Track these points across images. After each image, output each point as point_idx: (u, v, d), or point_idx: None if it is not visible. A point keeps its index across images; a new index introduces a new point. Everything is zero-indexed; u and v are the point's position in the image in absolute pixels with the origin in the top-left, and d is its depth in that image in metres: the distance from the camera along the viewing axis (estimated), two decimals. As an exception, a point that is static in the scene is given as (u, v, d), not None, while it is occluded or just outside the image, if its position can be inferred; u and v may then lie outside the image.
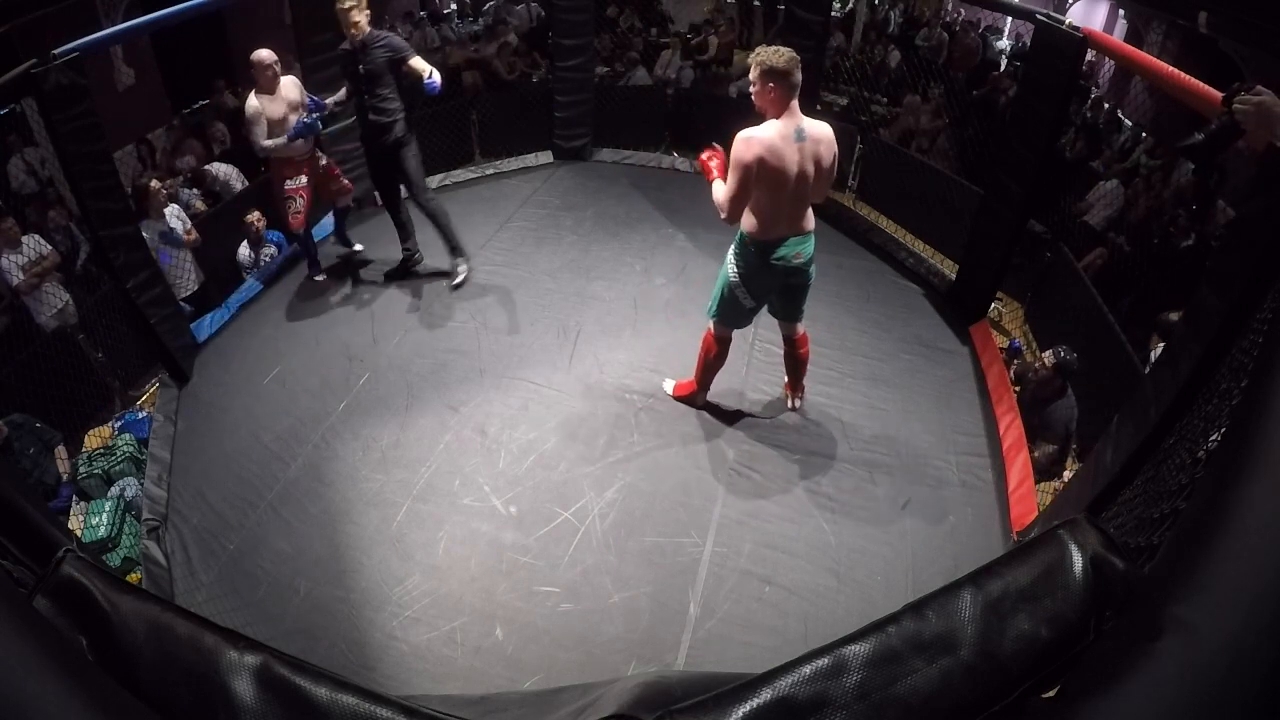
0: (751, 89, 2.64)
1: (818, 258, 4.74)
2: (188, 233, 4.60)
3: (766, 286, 2.98)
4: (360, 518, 3.02)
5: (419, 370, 3.75)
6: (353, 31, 3.70)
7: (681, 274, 4.48)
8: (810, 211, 2.83)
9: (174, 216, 4.53)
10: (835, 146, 2.73)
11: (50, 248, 4.40)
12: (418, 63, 3.73)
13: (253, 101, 3.79)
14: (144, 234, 4.26)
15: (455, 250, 4.33)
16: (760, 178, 2.62)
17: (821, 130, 2.67)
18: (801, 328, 3.24)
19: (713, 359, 3.29)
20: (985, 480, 3.28)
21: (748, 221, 2.80)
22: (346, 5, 3.64)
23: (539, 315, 4.10)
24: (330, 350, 3.91)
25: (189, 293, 4.57)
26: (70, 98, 3.03)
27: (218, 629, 0.67)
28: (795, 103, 2.59)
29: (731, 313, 3.09)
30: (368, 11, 3.73)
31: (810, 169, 2.67)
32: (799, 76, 2.56)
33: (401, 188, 4.21)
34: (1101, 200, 5.52)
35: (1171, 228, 4.98)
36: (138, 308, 3.56)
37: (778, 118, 2.59)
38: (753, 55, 2.62)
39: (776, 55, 2.53)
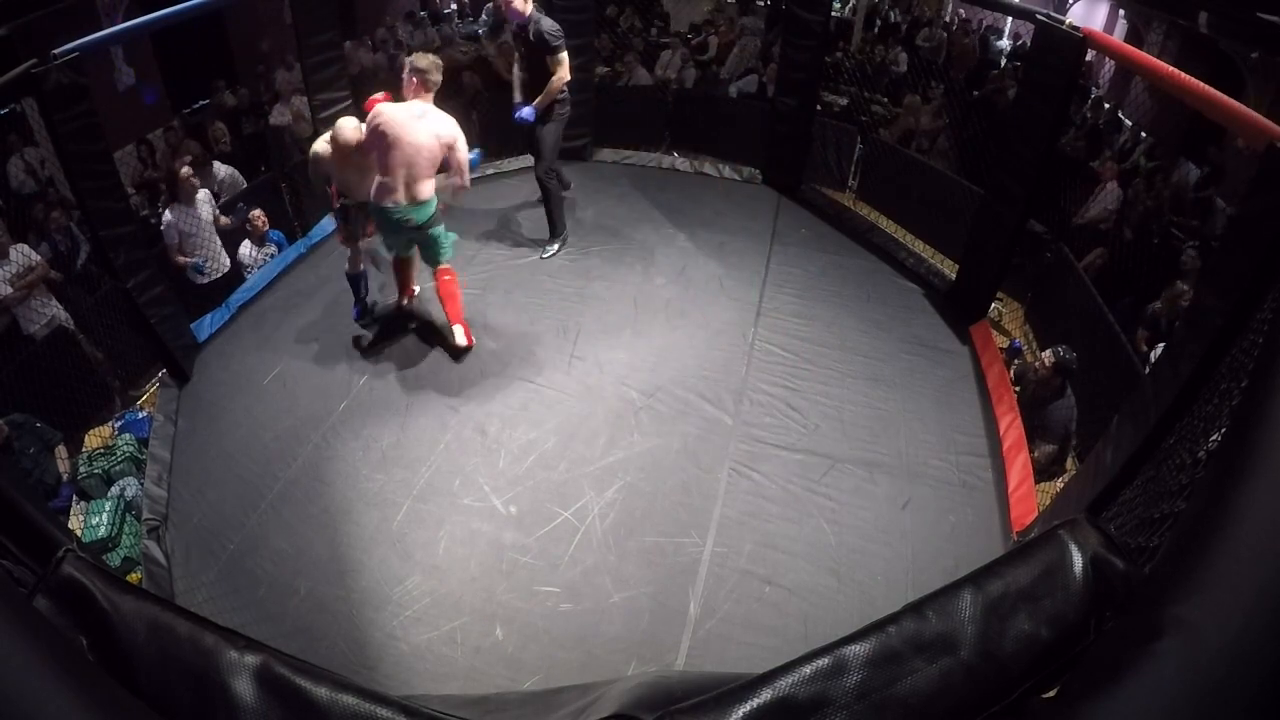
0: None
1: (817, 257, 4.82)
2: (216, 218, 4.63)
3: (393, 236, 3.62)
4: (360, 518, 3.02)
5: (419, 370, 3.75)
6: (514, 7, 4.02)
7: (681, 274, 4.48)
8: (424, 186, 3.35)
9: (205, 202, 4.56)
10: (452, 138, 3.31)
11: (39, 258, 4.37)
12: (554, 61, 4.04)
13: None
14: (169, 216, 4.30)
15: (552, 229, 4.63)
16: (378, 140, 3.24)
17: (443, 120, 3.32)
18: (442, 266, 3.70)
19: (397, 273, 4.03)
20: (985, 480, 3.28)
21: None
22: None
23: (539, 315, 4.10)
24: (330, 350, 3.91)
25: (218, 276, 4.60)
26: (70, 98, 3.02)
27: (218, 629, 0.67)
28: (429, 95, 3.33)
29: (387, 248, 3.91)
30: None
31: (423, 143, 3.25)
32: (434, 76, 3.32)
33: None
34: (1099, 202, 5.52)
35: (1173, 228, 4.99)
36: (138, 307, 3.55)
37: (414, 99, 3.32)
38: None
39: (420, 58, 3.35)
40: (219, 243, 4.70)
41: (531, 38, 4.02)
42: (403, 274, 4.00)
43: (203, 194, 4.61)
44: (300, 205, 5.30)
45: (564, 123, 4.36)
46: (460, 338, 3.73)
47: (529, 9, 4.01)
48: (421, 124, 3.26)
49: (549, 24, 4.02)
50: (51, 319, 4.25)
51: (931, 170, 5.13)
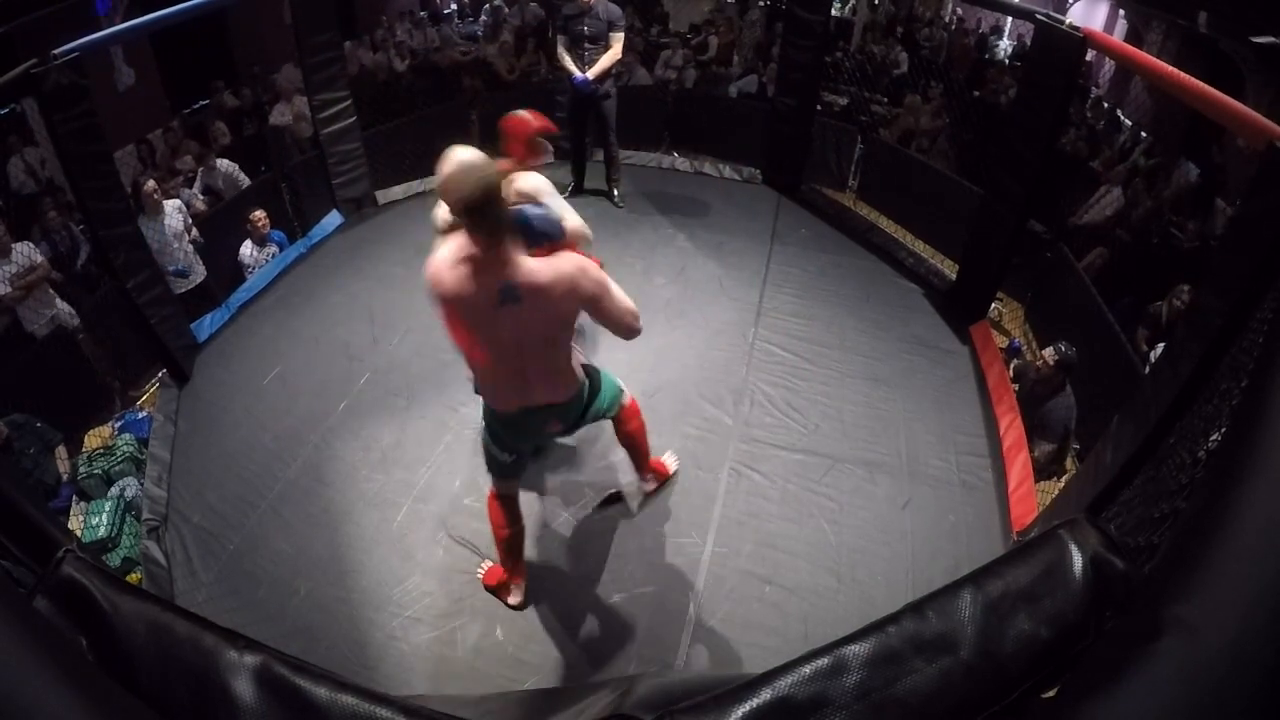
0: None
1: (817, 257, 4.82)
2: (187, 229, 4.60)
3: (517, 443, 2.32)
4: (360, 518, 3.02)
5: (419, 370, 3.74)
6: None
7: (681, 274, 4.47)
8: (560, 374, 2.08)
9: (175, 211, 4.53)
10: (595, 293, 1.88)
11: (41, 257, 4.36)
12: (614, 37, 4.56)
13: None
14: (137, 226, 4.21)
15: (612, 183, 5.17)
16: (448, 314, 1.90)
17: (570, 270, 1.85)
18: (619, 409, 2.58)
19: (499, 525, 2.50)
20: (985, 480, 3.28)
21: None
22: None
23: (539, 315, 4.10)
24: (330, 350, 3.91)
25: (194, 285, 4.57)
26: (70, 98, 3.02)
27: (218, 629, 0.67)
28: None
29: (495, 465, 2.40)
30: None
31: (521, 327, 1.87)
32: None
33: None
34: (1101, 205, 5.52)
35: (1173, 227, 4.99)
36: (138, 308, 3.56)
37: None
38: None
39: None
40: (193, 252, 4.60)
41: (601, 16, 4.54)
42: (507, 531, 2.51)
43: (171, 204, 4.54)
44: (300, 205, 5.30)
45: (616, 97, 4.86)
46: (650, 482, 3.00)
47: None
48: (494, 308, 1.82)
49: (616, 8, 4.59)
50: (53, 318, 4.25)
51: (931, 170, 5.13)
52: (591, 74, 4.55)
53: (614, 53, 4.57)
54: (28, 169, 5.98)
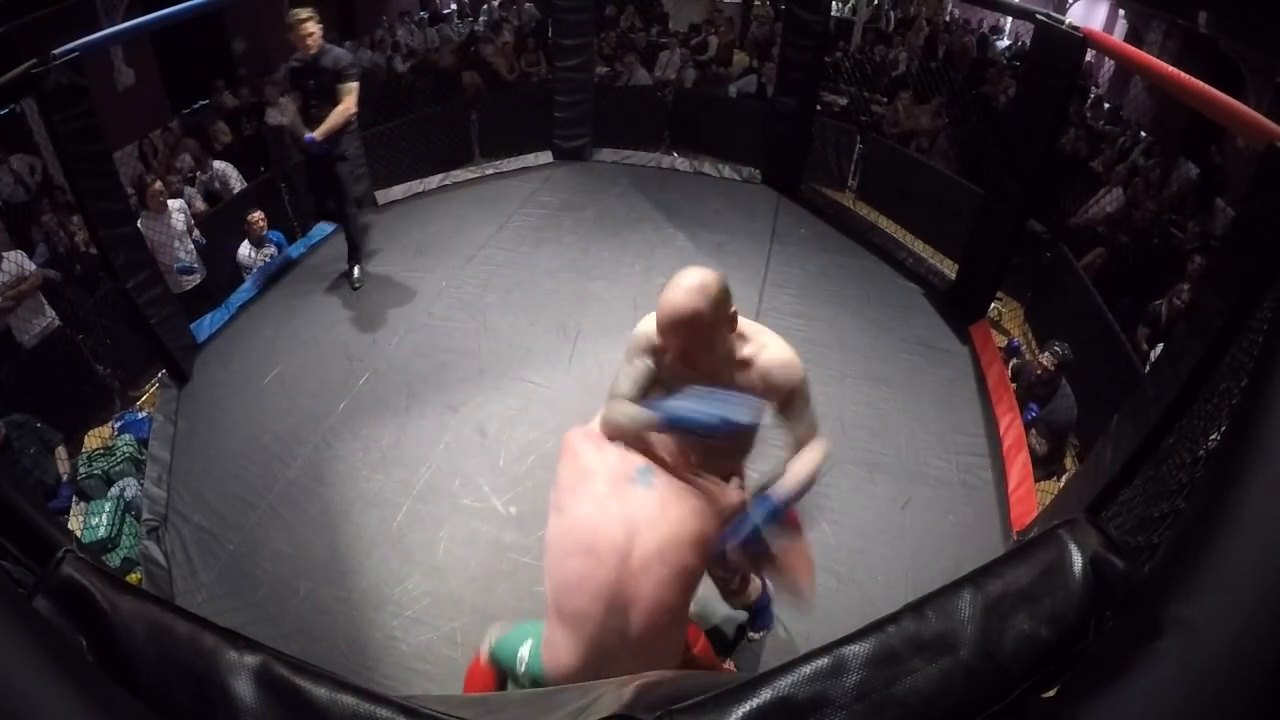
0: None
1: (817, 257, 4.82)
2: (190, 229, 4.60)
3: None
4: (360, 518, 3.01)
5: (419, 370, 3.74)
6: (307, 44, 3.72)
7: (681, 274, 4.47)
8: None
9: (178, 211, 4.53)
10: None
11: (33, 267, 4.32)
12: (344, 89, 3.78)
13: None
14: (138, 225, 4.21)
15: (352, 263, 4.44)
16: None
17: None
18: None
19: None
20: (985, 480, 3.27)
21: None
22: (301, 17, 3.68)
23: (539, 315, 4.10)
24: (330, 350, 3.91)
25: (191, 287, 4.57)
26: (70, 98, 3.02)
27: (218, 629, 0.67)
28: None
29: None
30: (321, 25, 3.78)
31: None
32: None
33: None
34: (1102, 204, 5.52)
35: (1173, 227, 4.99)
36: (138, 308, 3.55)
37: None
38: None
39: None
40: (194, 250, 4.60)
41: (328, 65, 3.78)
42: None
43: (176, 203, 4.54)
44: (300, 206, 5.29)
45: (358, 162, 4.23)
46: None
47: (320, 41, 3.78)
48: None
49: (344, 54, 3.92)
50: (45, 327, 4.19)
51: (931, 170, 5.13)
52: (318, 133, 3.77)
53: (344, 107, 3.78)
54: (19, 176, 5.94)
